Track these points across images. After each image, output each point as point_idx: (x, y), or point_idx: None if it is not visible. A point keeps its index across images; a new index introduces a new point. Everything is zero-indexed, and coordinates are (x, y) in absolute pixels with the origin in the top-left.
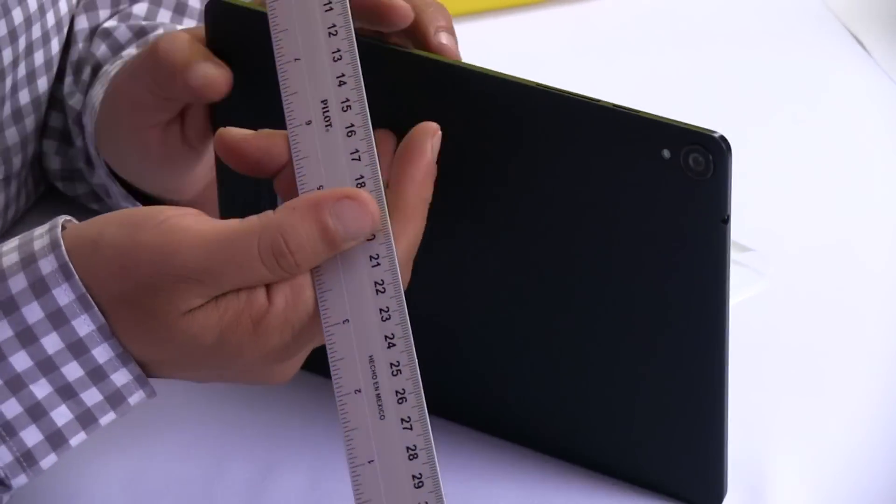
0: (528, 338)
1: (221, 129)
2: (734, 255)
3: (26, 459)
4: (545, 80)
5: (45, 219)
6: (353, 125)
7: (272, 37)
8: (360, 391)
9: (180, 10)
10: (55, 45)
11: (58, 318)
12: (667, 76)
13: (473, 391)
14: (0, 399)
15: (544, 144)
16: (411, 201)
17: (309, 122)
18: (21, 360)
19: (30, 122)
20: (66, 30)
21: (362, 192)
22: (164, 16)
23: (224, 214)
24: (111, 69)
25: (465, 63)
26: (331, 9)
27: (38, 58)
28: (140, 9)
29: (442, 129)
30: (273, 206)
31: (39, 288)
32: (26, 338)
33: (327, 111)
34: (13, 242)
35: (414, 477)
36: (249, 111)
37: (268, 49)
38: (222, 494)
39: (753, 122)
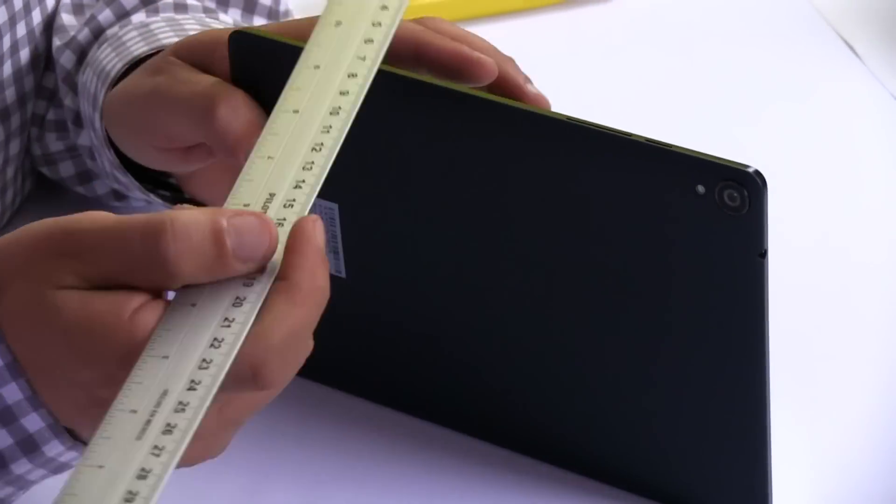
0: (566, 369)
1: None
2: None
3: None
4: (544, 83)
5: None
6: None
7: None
8: (135, 412)
9: None
10: (42, 42)
11: None
12: (659, 82)
13: (513, 412)
14: None
15: (581, 180)
16: (304, 286)
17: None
18: None
19: (15, 120)
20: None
21: (267, 216)
22: None
23: None
24: (125, 36)
25: (491, 96)
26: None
27: (25, 55)
28: None
29: (473, 166)
30: None
31: None
32: None
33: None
34: None
35: (130, 492)
36: None
37: None
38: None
39: (746, 126)
